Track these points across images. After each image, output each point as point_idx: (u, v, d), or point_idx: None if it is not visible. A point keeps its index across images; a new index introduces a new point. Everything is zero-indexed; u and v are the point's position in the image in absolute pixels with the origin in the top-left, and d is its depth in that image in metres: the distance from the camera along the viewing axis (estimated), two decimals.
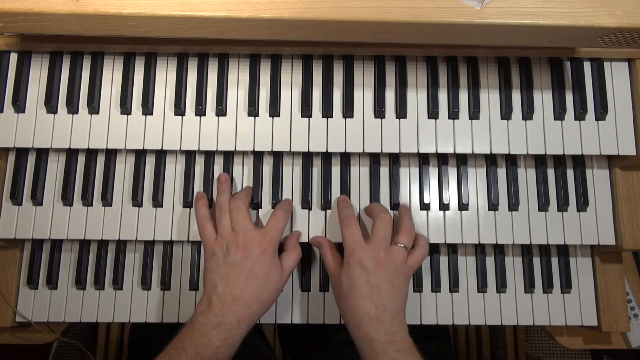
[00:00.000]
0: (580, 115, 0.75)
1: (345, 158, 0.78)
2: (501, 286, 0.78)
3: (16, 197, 0.75)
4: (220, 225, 0.70)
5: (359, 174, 0.78)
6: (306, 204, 0.76)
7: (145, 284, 0.77)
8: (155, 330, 0.92)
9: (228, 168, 0.77)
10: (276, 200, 0.76)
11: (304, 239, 0.76)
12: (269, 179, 0.77)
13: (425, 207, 0.77)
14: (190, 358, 0.62)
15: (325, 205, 0.76)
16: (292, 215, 0.76)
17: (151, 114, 0.75)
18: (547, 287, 0.78)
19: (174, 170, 0.78)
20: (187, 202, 0.76)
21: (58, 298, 0.77)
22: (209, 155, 0.78)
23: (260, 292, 0.67)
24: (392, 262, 0.68)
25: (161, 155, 0.78)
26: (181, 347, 0.63)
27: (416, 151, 0.75)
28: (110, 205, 0.76)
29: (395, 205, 0.76)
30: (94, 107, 0.74)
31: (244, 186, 0.77)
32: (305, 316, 0.77)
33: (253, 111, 0.75)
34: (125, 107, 0.74)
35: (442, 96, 0.76)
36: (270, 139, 0.75)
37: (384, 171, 0.78)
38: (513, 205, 0.76)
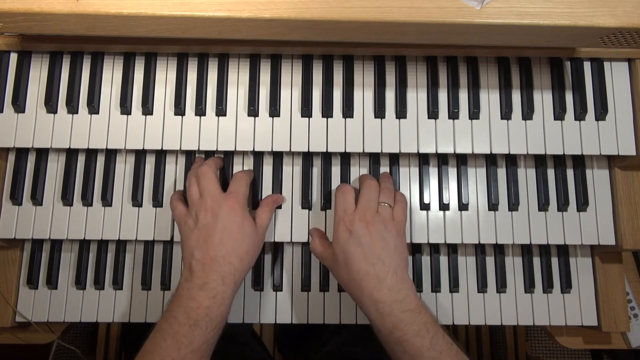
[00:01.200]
0: (580, 115, 0.75)
1: (345, 158, 0.78)
2: (501, 286, 0.78)
3: (16, 197, 0.75)
4: (189, 196, 0.70)
5: (359, 174, 0.78)
6: (306, 204, 0.76)
7: (145, 284, 0.77)
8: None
9: (228, 168, 0.77)
10: None
11: (304, 238, 0.76)
12: (269, 179, 0.77)
13: (425, 207, 0.77)
14: (182, 324, 0.61)
15: (325, 205, 0.76)
16: (291, 214, 0.76)
17: (151, 114, 0.75)
18: (547, 287, 0.78)
19: (174, 170, 0.78)
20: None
21: (58, 298, 0.77)
22: (209, 155, 0.78)
23: (237, 246, 0.66)
24: (379, 220, 0.68)
25: (161, 155, 0.78)
26: (172, 317, 0.62)
27: (416, 151, 0.75)
28: (110, 205, 0.76)
29: None
30: (94, 107, 0.74)
31: None
32: (305, 316, 0.77)
33: (253, 111, 0.75)
34: (125, 107, 0.74)
35: (442, 96, 0.76)
36: (270, 139, 0.75)
37: (384, 171, 0.78)
38: (513, 205, 0.76)
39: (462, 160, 0.78)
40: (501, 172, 0.78)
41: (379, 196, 0.70)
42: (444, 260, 0.79)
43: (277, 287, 0.78)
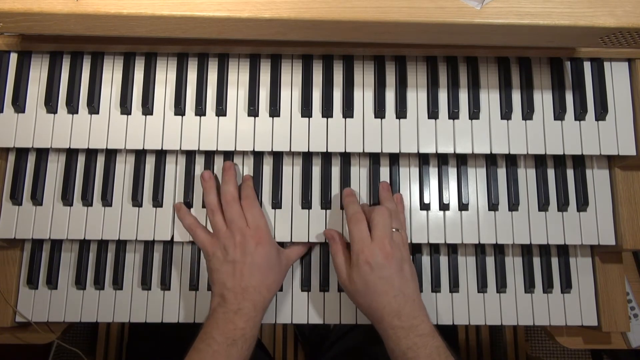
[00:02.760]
0: (580, 115, 0.75)
1: (345, 158, 0.78)
2: (501, 286, 0.78)
3: (16, 197, 0.75)
4: (214, 225, 0.73)
5: (359, 174, 0.78)
6: (306, 204, 0.76)
7: (145, 284, 0.77)
8: (153, 334, 0.93)
9: None
10: (276, 200, 0.76)
11: (304, 238, 0.76)
12: (269, 179, 0.77)
13: (425, 207, 0.77)
14: (221, 344, 0.65)
15: (326, 205, 0.76)
16: (291, 214, 0.76)
17: (151, 114, 0.75)
18: (547, 287, 0.78)
19: (174, 170, 0.78)
20: (188, 202, 0.76)
21: (58, 298, 0.77)
22: (209, 155, 0.78)
23: (265, 279, 0.70)
24: (397, 249, 0.69)
25: (161, 155, 0.78)
26: (210, 338, 0.66)
27: (416, 151, 0.75)
28: (110, 205, 0.76)
29: None
30: (94, 107, 0.74)
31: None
32: (305, 316, 0.77)
33: (253, 111, 0.75)
34: (125, 107, 0.74)
35: (442, 96, 0.76)
36: (270, 139, 0.75)
37: (384, 171, 0.78)
38: (513, 205, 0.76)
39: (462, 160, 0.78)
40: (501, 172, 0.78)
41: (392, 222, 0.71)
42: (444, 260, 0.79)
43: None
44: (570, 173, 0.78)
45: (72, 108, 0.74)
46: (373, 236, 0.69)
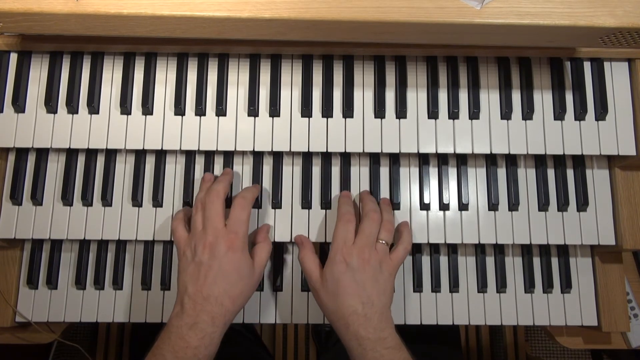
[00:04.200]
0: (580, 115, 0.75)
1: (345, 158, 0.78)
2: (501, 286, 0.78)
3: (16, 197, 0.75)
4: (193, 223, 0.69)
5: (359, 174, 0.78)
6: (306, 204, 0.76)
7: (145, 284, 0.77)
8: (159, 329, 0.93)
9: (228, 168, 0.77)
10: (276, 200, 0.76)
11: None
12: (269, 179, 0.77)
13: (425, 207, 0.77)
14: None
15: (326, 205, 0.76)
16: (291, 214, 0.76)
17: (151, 114, 0.75)
18: (547, 287, 0.78)
19: (174, 170, 0.78)
20: (187, 202, 0.76)
21: (58, 298, 0.77)
22: (209, 155, 0.78)
23: (230, 288, 0.65)
24: (376, 259, 0.68)
25: (161, 155, 0.78)
26: (159, 354, 0.62)
27: (416, 151, 0.75)
28: (110, 205, 0.76)
29: (395, 205, 0.76)
30: (94, 107, 0.74)
31: (243, 187, 0.77)
32: (305, 316, 0.77)
33: (253, 111, 0.75)
34: (125, 107, 0.74)
35: (442, 96, 0.76)
36: (270, 139, 0.75)
37: (384, 171, 0.78)
38: (513, 205, 0.76)
39: (462, 160, 0.78)
40: (501, 172, 0.78)
41: (379, 232, 0.70)
42: (444, 260, 0.79)
43: (277, 287, 0.78)
44: (570, 173, 0.78)
45: (72, 108, 0.74)
46: (356, 240, 0.69)
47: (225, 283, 0.65)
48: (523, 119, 0.76)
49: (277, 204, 0.76)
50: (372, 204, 0.73)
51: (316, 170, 0.78)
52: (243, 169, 0.78)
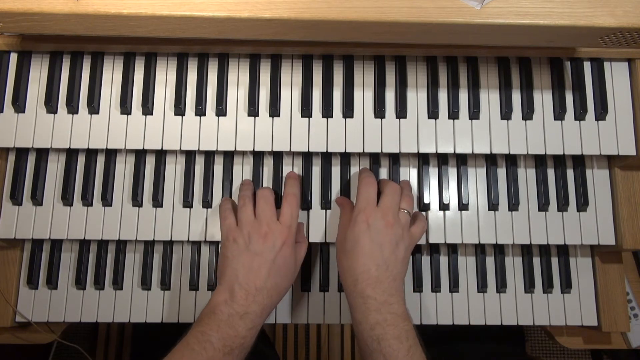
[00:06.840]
0: (580, 115, 0.75)
1: (345, 158, 0.78)
2: (501, 286, 0.78)
3: (16, 197, 0.75)
4: (242, 213, 0.70)
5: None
6: (306, 204, 0.76)
7: (145, 284, 0.77)
8: (161, 328, 0.93)
9: (228, 168, 0.77)
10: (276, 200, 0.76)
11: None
12: (269, 179, 0.77)
13: (425, 207, 0.77)
14: (217, 350, 0.60)
15: (326, 205, 0.76)
16: None
17: (151, 114, 0.75)
18: (547, 287, 0.78)
19: (174, 170, 0.78)
20: (187, 202, 0.76)
21: (58, 298, 0.77)
22: (209, 155, 0.78)
23: (280, 282, 0.67)
24: (399, 225, 0.68)
25: (161, 155, 0.78)
26: (206, 340, 0.61)
27: (416, 151, 0.75)
28: (110, 205, 0.76)
29: None
30: (94, 107, 0.74)
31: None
32: (305, 316, 0.77)
33: (253, 111, 0.75)
34: (125, 107, 0.74)
35: (442, 96, 0.76)
36: (270, 139, 0.75)
37: (384, 171, 0.78)
38: (513, 205, 0.76)
39: (462, 160, 0.78)
40: (501, 172, 0.78)
41: (400, 201, 0.70)
42: (444, 260, 0.79)
43: None
44: (570, 173, 0.78)
45: (72, 108, 0.74)
46: (380, 203, 0.68)
47: (277, 277, 0.66)
48: (523, 119, 0.76)
49: (277, 204, 0.76)
50: (391, 181, 0.74)
51: (316, 171, 0.78)
52: (243, 169, 0.78)
